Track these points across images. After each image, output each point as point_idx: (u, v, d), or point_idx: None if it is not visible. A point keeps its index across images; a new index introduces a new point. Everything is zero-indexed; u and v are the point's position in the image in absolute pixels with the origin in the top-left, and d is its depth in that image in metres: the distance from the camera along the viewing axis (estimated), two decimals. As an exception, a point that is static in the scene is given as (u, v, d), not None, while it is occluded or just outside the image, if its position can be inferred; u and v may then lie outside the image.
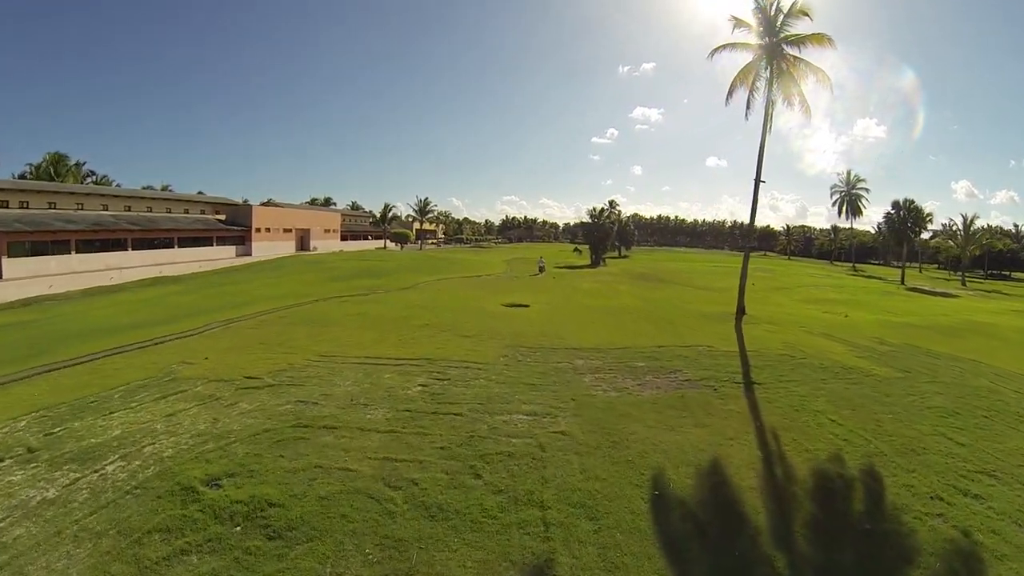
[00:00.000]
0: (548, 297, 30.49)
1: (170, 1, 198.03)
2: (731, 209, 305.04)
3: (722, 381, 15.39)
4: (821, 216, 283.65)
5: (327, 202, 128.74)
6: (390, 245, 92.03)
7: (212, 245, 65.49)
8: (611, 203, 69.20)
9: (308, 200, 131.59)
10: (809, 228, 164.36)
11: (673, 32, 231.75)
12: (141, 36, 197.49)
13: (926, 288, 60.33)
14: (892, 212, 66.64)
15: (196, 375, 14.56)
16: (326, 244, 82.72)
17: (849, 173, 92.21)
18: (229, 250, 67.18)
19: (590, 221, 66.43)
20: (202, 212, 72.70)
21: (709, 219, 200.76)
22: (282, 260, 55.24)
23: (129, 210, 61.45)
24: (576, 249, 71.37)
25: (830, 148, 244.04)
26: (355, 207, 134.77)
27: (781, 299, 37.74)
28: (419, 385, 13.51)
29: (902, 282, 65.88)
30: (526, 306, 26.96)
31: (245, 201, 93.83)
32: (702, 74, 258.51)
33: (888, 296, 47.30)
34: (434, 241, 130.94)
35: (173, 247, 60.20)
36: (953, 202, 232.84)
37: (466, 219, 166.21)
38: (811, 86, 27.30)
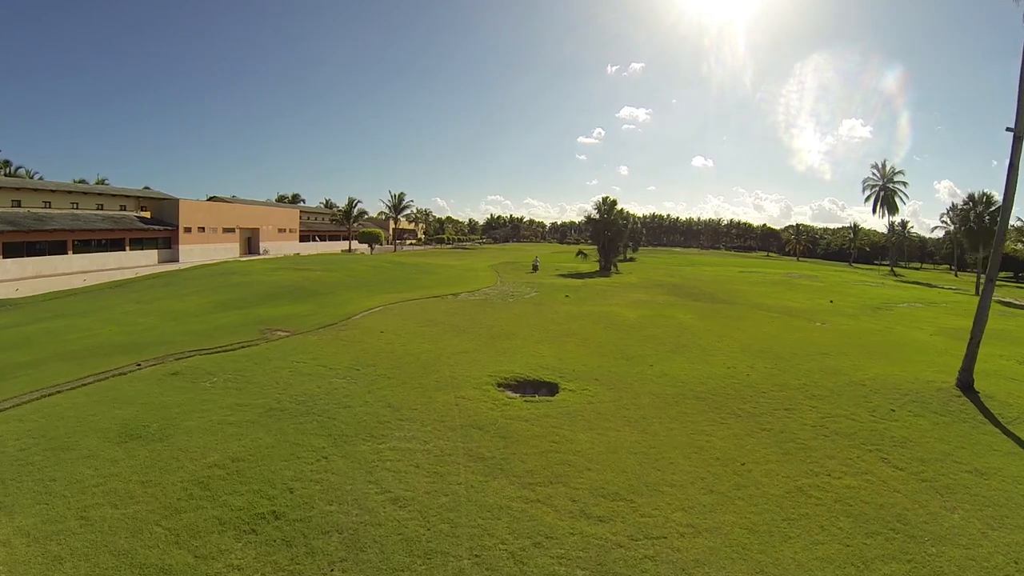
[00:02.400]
0: (585, 353, 16.21)
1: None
2: (715, 209, 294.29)
3: None
4: (805, 216, 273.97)
5: (295, 199, 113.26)
6: (359, 246, 77.21)
7: (124, 249, 50.43)
8: (605, 199, 54.65)
9: (275, 197, 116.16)
10: (810, 227, 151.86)
11: (662, 32, 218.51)
12: (137, 35, 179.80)
13: (1013, 301, 47.26)
14: (966, 207, 53.25)
15: None
16: (280, 246, 67.81)
17: (884, 165, 79.36)
18: (148, 255, 52.13)
19: (596, 217, 52.24)
20: (122, 208, 57.51)
21: (704, 218, 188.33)
22: (193, 271, 40.37)
23: (18, 205, 46.27)
24: (580, 252, 57.11)
25: (815, 148, 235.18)
26: (329, 205, 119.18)
27: (915, 335, 23.95)
28: None
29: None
30: (551, 391, 12.67)
31: (216, 198, 78.76)
32: (691, 74, 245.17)
33: (1017, 319, 33.77)
34: (412, 242, 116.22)
35: (66, 252, 45.23)
36: (935, 201, 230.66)
37: (449, 218, 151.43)
38: None
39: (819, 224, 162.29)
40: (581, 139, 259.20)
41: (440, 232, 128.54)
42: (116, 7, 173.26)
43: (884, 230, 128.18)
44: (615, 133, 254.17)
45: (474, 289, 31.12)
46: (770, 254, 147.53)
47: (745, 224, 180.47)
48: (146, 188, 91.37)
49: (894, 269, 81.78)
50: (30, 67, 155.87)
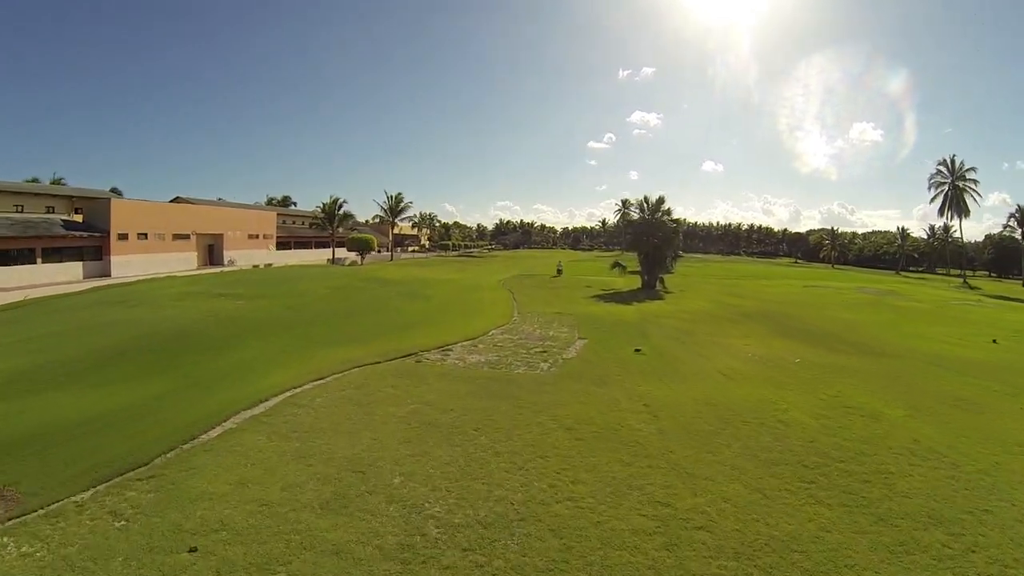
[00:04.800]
0: None
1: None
2: (724, 213, 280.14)
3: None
4: (814, 220, 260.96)
5: (284, 202, 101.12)
6: (348, 254, 64.86)
7: (35, 262, 38.41)
8: (624, 203, 43.54)
9: (264, 200, 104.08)
10: (842, 232, 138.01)
11: (673, 36, 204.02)
12: (142, 35, 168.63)
13: None
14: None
15: None
16: (251, 255, 55.51)
17: (953, 161, 66.12)
18: (68, 270, 39.82)
19: (636, 218, 39.73)
20: (49, 210, 45.61)
21: (714, 222, 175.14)
22: (79, 297, 28.23)
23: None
24: (617, 263, 44.05)
25: (824, 151, 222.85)
26: (325, 210, 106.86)
27: None
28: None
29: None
30: None
31: (181, 198, 66.47)
32: (702, 78, 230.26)
33: None
34: (415, 248, 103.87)
35: (-58, 267, 33.34)
36: None
37: (456, 223, 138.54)
38: None
39: (901, 227, 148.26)
40: (592, 144, 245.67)
41: (446, 238, 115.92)
42: (113, 11, 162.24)
43: (919, 234, 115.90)
44: (626, 138, 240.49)
45: (478, 334, 18.53)
46: (797, 260, 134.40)
47: (766, 228, 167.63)
48: (113, 190, 79.61)
49: (967, 281, 68.16)
50: (29, 69, 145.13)
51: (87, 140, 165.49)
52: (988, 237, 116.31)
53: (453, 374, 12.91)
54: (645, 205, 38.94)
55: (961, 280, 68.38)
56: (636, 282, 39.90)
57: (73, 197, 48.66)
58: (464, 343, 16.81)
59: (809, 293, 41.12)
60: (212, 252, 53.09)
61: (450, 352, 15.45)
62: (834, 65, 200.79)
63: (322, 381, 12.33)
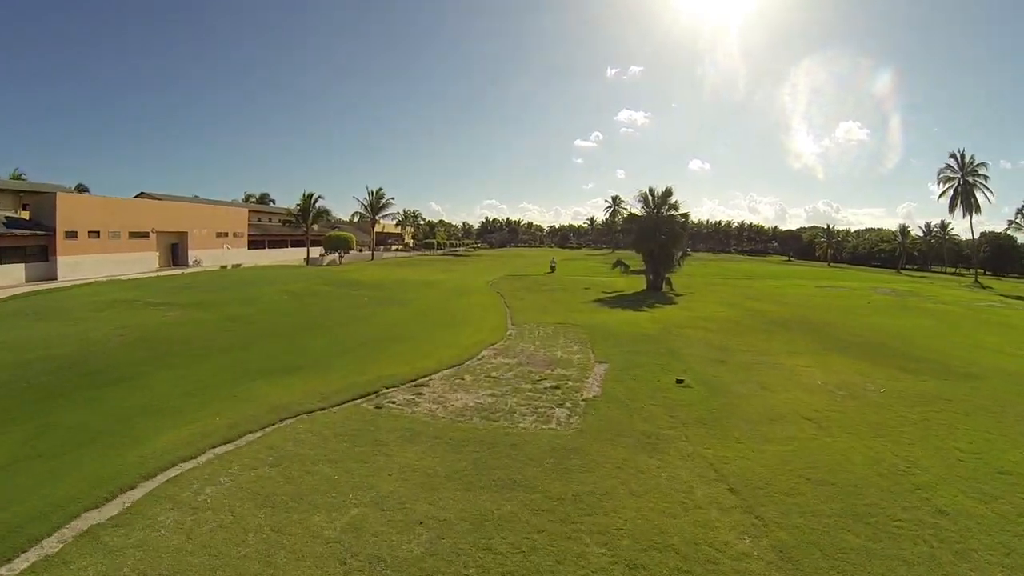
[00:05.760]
0: None
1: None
2: (711, 211, 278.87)
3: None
4: (800, 218, 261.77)
5: (263, 199, 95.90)
6: (322, 254, 60.16)
7: (-37, 263, 33.63)
8: (615, 199, 39.36)
9: (243, 197, 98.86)
10: (836, 231, 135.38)
11: (663, 35, 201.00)
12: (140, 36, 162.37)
13: None
14: None
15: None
16: (219, 254, 50.65)
17: (963, 155, 62.95)
18: (11, 272, 34.81)
19: (641, 213, 35.75)
20: (-8, 207, 40.83)
21: (702, 220, 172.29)
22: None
23: None
24: (620, 262, 39.87)
25: (810, 150, 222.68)
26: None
27: None
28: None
29: None
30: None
31: (146, 194, 61.29)
32: (691, 77, 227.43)
33: None
34: (398, 247, 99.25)
35: None
36: (932, 204, 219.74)
37: (441, 221, 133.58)
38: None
39: (902, 224, 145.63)
40: (578, 142, 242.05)
41: (431, 236, 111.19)
42: (112, 11, 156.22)
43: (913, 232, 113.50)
44: (613, 136, 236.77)
45: (464, 357, 14.35)
46: (790, 258, 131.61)
47: (756, 226, 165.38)
48: (79, 187, 74.27)
49: (978, 280, 65.05)
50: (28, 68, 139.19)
51: (88, 141, 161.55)
52: (983, 235, 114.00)
53: (427, 433, 8.72)
54: (651, 198, 34.93)
55: (971, 279, 65.33)
56: (639, 283, 36.00)
57: (21, 192, 43.72)
58: (446, 372, 12.62)
59: (827, 295, 37.54)
60: (176, 252, 48.28)
61: (425, 389, 11.24)
62: (822, 65, 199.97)
63: (230, 447, 8.14)
